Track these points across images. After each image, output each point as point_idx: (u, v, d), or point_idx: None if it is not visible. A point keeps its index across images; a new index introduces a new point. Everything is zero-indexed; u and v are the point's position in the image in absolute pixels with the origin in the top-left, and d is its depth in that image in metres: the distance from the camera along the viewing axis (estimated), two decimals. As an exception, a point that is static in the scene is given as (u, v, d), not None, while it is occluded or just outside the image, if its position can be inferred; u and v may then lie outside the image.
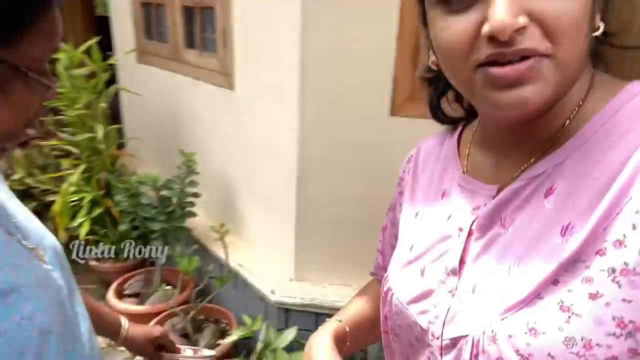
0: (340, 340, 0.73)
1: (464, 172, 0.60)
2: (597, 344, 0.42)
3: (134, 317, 2.22)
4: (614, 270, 0.42)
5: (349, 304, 0.83)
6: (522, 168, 0.52)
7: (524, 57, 0.43)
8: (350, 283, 1.99)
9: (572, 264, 0.44)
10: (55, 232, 2.55)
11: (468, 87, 0.48)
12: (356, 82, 1.69)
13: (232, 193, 2.28)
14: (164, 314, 2.10)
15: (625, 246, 0.41)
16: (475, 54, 0.45)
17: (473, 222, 0.54)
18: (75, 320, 0.75)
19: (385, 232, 0.81)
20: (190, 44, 2.41)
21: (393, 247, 0.71)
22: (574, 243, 0.44)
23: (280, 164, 1.90)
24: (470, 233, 0.55)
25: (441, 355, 0.54)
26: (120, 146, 3.06)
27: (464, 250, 0.54)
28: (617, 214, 0.42)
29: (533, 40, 0.42)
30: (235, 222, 2.29)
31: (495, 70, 0.44)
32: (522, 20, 0.41)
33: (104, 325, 1.04)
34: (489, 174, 0.57)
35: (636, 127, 0.45)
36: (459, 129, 0.67)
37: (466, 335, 0.50)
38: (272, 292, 1.93)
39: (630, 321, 0.41)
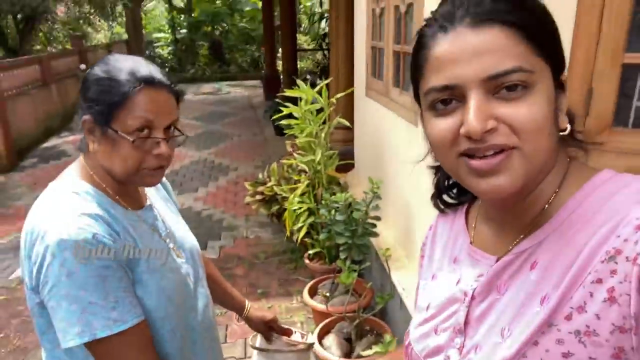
0: None
1: (471, 242, 0.69)
2: None
3: (318, 314, 2.65)
4: (579, 332, 0.51)
5: None
6: (515, 242, 0.61)
7: (497, 152, 0.54)
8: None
9: (547, 328, 0.53)
10: (285, 230, 3.23)
11: (455, 173, 0.59)
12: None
13: (409, 218, 2.45)
14: (336, 316, 2.45)
15: (585, 311, 0.50)
16: (457, 147, 0.56)
17: (475, 288, 0.64)
18: (195, 295, 1.14)
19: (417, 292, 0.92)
20: (396, 82, 2.69)
21: None
22: (548, 310, 0.53)
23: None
24: (473, 297, 0.64)
25: None
26: (346, 168, 3.58)
27: (468, 313, 0.64)
28: (580, 285, 0.51)
29: (502, 136, 0.53)
30: (409, 245, 2.46)
31: (473, 162, 0.55)
32: (491, 124, 0.53)
33: (233, 303, 1.43)
34: (490, 245, 0.66)
35: (597, 215, 0.54)
36: (466, 205, 0.76)
37: None
38: (421, 320, 2.03)
39: None
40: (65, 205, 0.90)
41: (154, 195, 1.16)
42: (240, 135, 7.92)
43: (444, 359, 0.65)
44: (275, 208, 3.57)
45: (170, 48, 16.77)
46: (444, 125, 0.56)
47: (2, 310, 3.29)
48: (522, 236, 0.60)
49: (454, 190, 0.78)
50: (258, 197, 3.66)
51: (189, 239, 1.19)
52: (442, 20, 0.56)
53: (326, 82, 3.05)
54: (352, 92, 3.56)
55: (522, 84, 0.52)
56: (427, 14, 1.85)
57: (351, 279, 2.25)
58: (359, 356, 2.18)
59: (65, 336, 0.86)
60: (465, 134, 0.53)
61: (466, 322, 0.64)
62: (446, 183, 0.78)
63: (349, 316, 2.36)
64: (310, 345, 1.42)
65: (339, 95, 3.11)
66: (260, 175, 3.90)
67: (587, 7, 1.12)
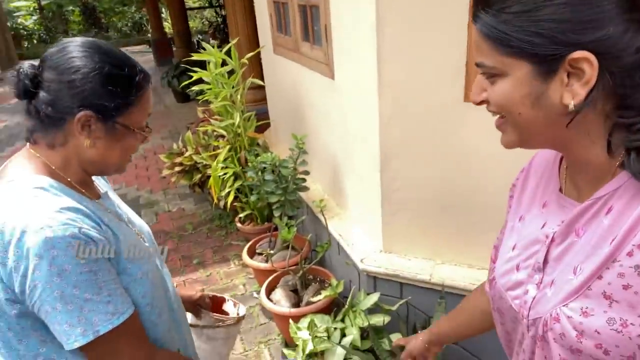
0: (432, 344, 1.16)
1: (560, 189, 0.74)
2: (631, 323, 0.57)
3: (260, 273, 2.72)
4: (638, 267, 0.56)
5: (452, 316, 1.15)
6: (593, 190, 0.66)
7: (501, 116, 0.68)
8: (432, 257, 2.13)
9: (611, 263, 0.59)
10: (211, 196, 3.20)
11: None
12: (430, 70, 1.79)
13: (337, 171, 2.57)
14: (280, 271, 2.54)
15: None
16: None
17: (555, 231, 0.70)
18: (163, 276, 1.13)
19: (502, 230, 0.95)
20: (306, 37, 2.71)
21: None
22: (613, 247, 0.59)
23: (368, 147, 2.10)
24: (553, 239, 0.70)
25: (528, 330, 0.72)
26: (261, 129, 3.58)
27: (548, 253, 0.71)
28: None
29: (490, 106, 0.68)
30: (339, 194, 2.59)
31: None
32: (482, 97, 0.68)
33: None
34: (576, 192, 0.71)
35: None
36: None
37: (541, 317, 0.68)
38: (362, 261, 2.18)
39: None
40: (37, 202, 0.84)
41: (101, 183, 1.11)
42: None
43: (523, 292, 0.73)
44: (197, 177, 3.51)
45: (34, 17, 14.97)
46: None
47: None
48: (600, 184, 0.65)
49: None
50: (177, 168, 3.55)
51: (141, 221, 1.18)
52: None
53: (233, 42, 2.98)
54: (259, 51, 3.51)
55: (493, 73, 0.65)
56: None
57: (292, 233, 2.33)
58: (309, 303, 2.30)
59: (68, 338, 0.83)
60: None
61: (545, 261, 0.71)
62: None
63: (292, 269, 2.46)
64: (240, 319, 1.39)
65: (249, 55, 3.05)
66: (174, 146, 3.77)
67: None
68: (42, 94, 0.89)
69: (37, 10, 14.79)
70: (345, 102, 2.27)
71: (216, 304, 1.47)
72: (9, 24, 12.76)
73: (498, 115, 0.68)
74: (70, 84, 0.87)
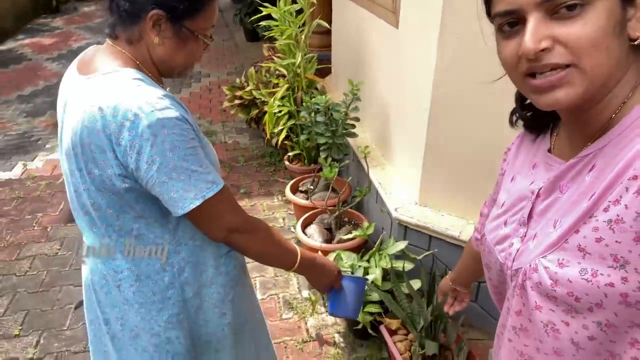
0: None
1: (549, 150, 0.75)
2: (600, 274, 0.59)
3: (299, 208, 2.86)
4: (610, 221, 0.58)
5: (460, 260, 1.26)
6: (583, 149, 0.66)
7: (555, 69, 0.58)
8: (464, 216, 2.16)
9: (588, 219, 0.61)
10: (265, 132, 3.34)
11: (524, 91, 0.65)
12: (491, 29, 1.76)
13: (387, 121, 2.60)
14: (318, 209, 2.66)
15: (619, 203, 0.57)
16: (520, 68, 0.61)
17: (541, 187, 0.72)
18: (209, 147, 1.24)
19: (493, 190, 1.00)
20: (377, -18, 2.69)
21: (494, 202, 0.93)
22: (591, 203, 0.61)
23: (420, 99, 2.12)
24: (538, 195, 0.72)
25: (511, 281, 0.75)
26: (323, 74, 3.63)
27: (533, 208, 0.73)
28: (620, 182, 0.58)
29: (557, 56, 0.57)
30: (385, 145, 2.63)
31: (533, 82, 0.61)
32: (544, 44, 0.57)
33: None
34: (564, 152, 0.72)
35: None
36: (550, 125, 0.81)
37: (521, 268, 0.71)
38: (396, 209, 2.25)
39: (621, 256, 0.58)
40: (141, 89, 0.95)
41: None
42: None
43: (508, 245, 0.76)
44: (254, 112, 3.64)
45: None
46: (508, 48, 0.62)
47: (-11, 211, 3.37)
48: (588, 143, 0.65)
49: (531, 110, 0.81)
50: (237, 101, 3.69)
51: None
52: None
53: (306, -19, 3.00)
54: (330, -6, 3.50)
55: (580, 2, 0.56)
56: None
57: (333, 173, 2.42)
58: (340, 240, 2.41)
59: (184, 202, 0.97)
60: (521, 54, 0.59)
61: (530, 216, 0.73)
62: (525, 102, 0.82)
63: (329, 209, 2.57)
64: None
65: (319, -4, 3.07)
66: (237, 80, 3.90)
67: None
68: None
69: None
70: (404, 52, 2.27)
71: None
72: (100, -54, 13.20)
73: (554, 70, 0.58)
74: None
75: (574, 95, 0.59)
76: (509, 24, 0.61)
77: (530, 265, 0.68)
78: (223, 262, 1.19)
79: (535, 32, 0.57)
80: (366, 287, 1.94)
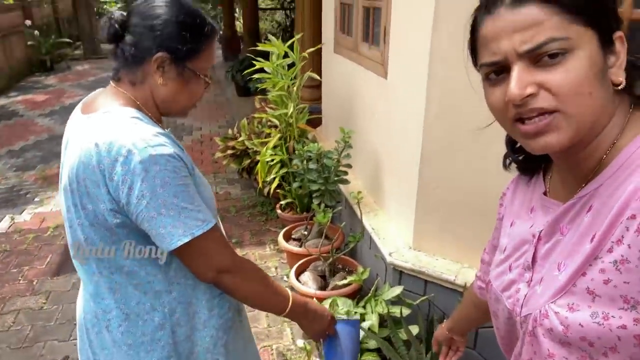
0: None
1: (545, 193, 0.76)
2: (612, 316, 0.59)
3: (292, 256, 2.84)
4: (616, 262, 0.58)
5: (459, 308, 1.24)
6: (578, 190, 0.68)
7: (542, 114, 0.60)
8: (459, 259, 2.16)
9: (593, 260, 0.61)
10: (257, 182, 3.36)
11: (514, 136, 0.67)
12: (478, 77, 1.84)
13: (378, 168, 2.65)
14: (311, 256, 2.64)
15: (622, 243, 0.58)
16: (509, 114, 0.63)
17: (541, 230, 0.73)
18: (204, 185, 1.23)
19: (492, 236, 1.01)
20: (366, 38, 2.82)
21: (494, 247, 0.94)
22: (594, 245, 0.61)
23: (411, 144, 2.17)
24: (540, 238, 0.73)
25: (521, 328, 0.74)
26: (314, 124, 3.72)
27: (535, 252, 0.73)
28: (620, 222, 0.59)
29: (542, 100, 0.59)
30: (377, 191, 2.66)
31: (522, 127, 0.62)
32: (529, 90, 0.59)
33: None
34: (560, 194, 0.73)
35: None
36: (542, 166, 0.83)
37: (531, 314, 0.70)
38: (390, 254, 2.25)
39: (631, 297, 0.58)
40: (137, 127, 0.98)
41: None
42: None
43: (515, 291, 0.75)
44: (246, 162, 3.68)
45: (119, 5, 16.00)
46: (495, 95, 0.64)
47: (-27, 265, 3.28)
48: (583, 184, 0.67)
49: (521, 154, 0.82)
50: (229, 152, 3.74)
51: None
52: (488, 4, 0.64)
53: (298, 37, 3.14)
54: (320, 50, 3.65)
55: (561, 51, 0.58)
56: None
57: (327, 218, 2.43)
58: (335, 287, 2.38)
59: (171, 239, 0.97)
60: (508, 100, 0.61)
61: (534, 260, 0.73)
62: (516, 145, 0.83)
63: (323, 256, 2.56)
64: None
65: (309, 50, 3.20)
66: (230, 131, 3.97)
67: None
68: (127, 37, 1.05)
69: (123, -1, 15.86)
70: (394, 101, 2.35)
71: None
72: (96, 8, 13.70)
73: (538, 117, 0.60)
74: (151, 28, 1.03)
75: (564, 139, 0.60)
76: (495, 72, 0.64)
77: (540, 312, 0.67)
78: (217, 304, 1.17)
79: (519, 79, 0.59)
80: (363, 333, 1.90)
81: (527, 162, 0.81)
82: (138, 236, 1.03)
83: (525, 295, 0.72)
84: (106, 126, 0.99)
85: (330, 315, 1.30)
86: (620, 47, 0.62)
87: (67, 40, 12.12)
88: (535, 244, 0.73)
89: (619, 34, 0.62)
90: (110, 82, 1.12)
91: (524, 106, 0.60)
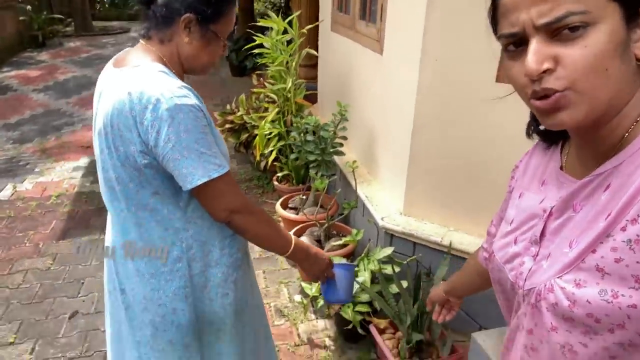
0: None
1: (561, 168, 0.74)
2: (622, 295, 0.58)
3: (289, 223, 2.99)
4: (630, 241, 0.57)
5: (459, 273, 1.25)
6: (596, 167, 0.65)
7: (556, 91, 0.58)
8: (446, 224, 2.33)
9: (605, 238, 0.60)
10: (254, 156, 3.49)
11: (532, 109, 0.64)
12: (469, 50, 1.99)
13: (372, 140, 2.80)
14: (307, 223, 2.80)
15: (637, 222, 0.57)
16: (526, 89, 0.61)
17: (553, 206, 0.71)
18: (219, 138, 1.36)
19: (500, 208, 1.00)
20: (363, 15, 2.95)
21: (501, 220, 0.94)
22: (607, 223, 0.60)
23: (404, 115, 2.33)
24: (550, 214, 0.71)
25: (523, 300, 0.73)
26: (312, 99, 3.85)
27: (545, 227, 0.72)
28: (637, 201, 0.57)
29: (556, 81, 0.57)
30: (371, 162, 2.82)
31: (536, 103, 0.61)
32: (547, 65, 0.57)
33: None
34: (576, 170, 0.71)
35: None
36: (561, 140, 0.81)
37: (535, 287, 0.69)
38: (382, 219, 2.42)
39: None
40: (164, 79, 1.11)
41: None
42: (194, 76, 7.91)
43: (519, 264, 0.75)
44: (244, 137, 3.81)
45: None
46: (515, 69, 0.62)
47: (-21, 229, 3.40)
48: (602, 162, 0.65)
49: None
50: (227, 126, 3.86)
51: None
52: None
53: (296, 13, 3.25)
54: (317, 29, 3.77)
55: (582, 24, 0.56)
56: None
57: (324, 184, 2.58)
58: (331, 248, 2.55)
59: (192, 178, 1.10)
60: (525, 76, 0.59)
61: (542, 235, 0.72)
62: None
63: (319, 222, 2.72)
64: None
65: (308, 27, 3.32)
66: (228, 107, 4.09)
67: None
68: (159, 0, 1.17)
69: (115, -24, 15.68)
70: (389, 76, 2.50)
71: None
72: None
73: (553, 92, 0.59)
74: None
75: (578, 116, 0.59)
76: (514, 44, 0.62)
77: (545, 286, 0.67)
78: (228, 244, 1.31)
79: (537, 53, 0.58)
80: (356, 280, 2.07)
81: (549, 133, 0.78)
82: (163, 177, 1.17)
83: (530, 269, 0.72)
84: (137, 78, 1.12)
85: (328, 259, 1.46)
86: None
87: (59, 16, 12.03)
88: (546, 218, 0.72)
89: None
90: (140, 40, 1.24)
91: (539, 82, 0.59)
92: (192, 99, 1.12)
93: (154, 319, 1.27)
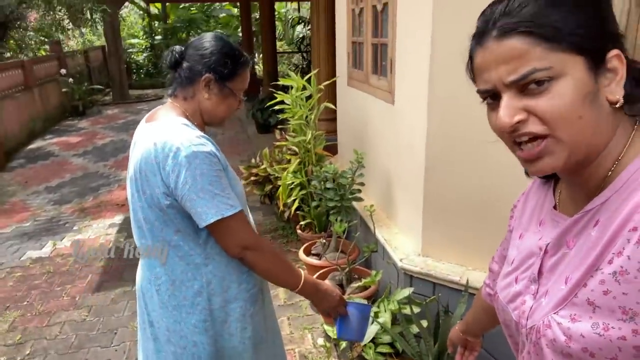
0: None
1: (554, 207, 0.77)
2: (612, 327, 0.59)
3: (312, 268, 3.07)
4: (615, 273, 0.59)
5: (470, 312, 1.28)
6: (585, 204, 0.68)
7: (533, 139, 0.62)
8: (464, 263, 2.37)
9: (594, 272, 0.62)
10: (278, 206, 3.63)
11: (516, 156, 0.68)
12: (473, 94, 2.12)
13: (388, 185, 2.91)
14: (330, 267, 2.87)
15: (622, 255, 0.59)
16: (504, 137, 0.66)
17: (548, 243, 0.73)
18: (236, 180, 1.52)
19: (500, 246, 1.07)
20: (375, 70, 3.15)
21: (502, 257, 1.00)
22: (595, 256, 0.63)
23: (415, 158, 2.44)
24: (546, 251, 0.74)
25: (527, 339, 0.74)
26: (333, 150, 4.02)
27: (542, 264, 0.74)
28: (622, 235, 0.60)
29: (533, 125, 0.62)
30: (388, 206, 2.91)
31: (519, 153, 0.65)
32: (518, 117, 0.62)
33: None
34: (568, 208, 0.75)
35: None
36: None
37: (535, 325, 0.71)
38: (401, 260, 2.47)
39: (630, 309, 0.58)
40: (184, 130, 1.28)
41: None
42: (224, 134, 8.29)
43: (521, 302, 0.76)
44: (268, 188, 3.97)
45: (145, 54, 16.97)
46: (494, 117, 0.67)
47: (22, 284, 3.60)
48: (590, 199, 0.67)
49: None
50: (252, 178, 4.05)
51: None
52: (477, 36, 0.68)
53: (314, 72, 3.49)
54: (335, 85, 4.00)
55: (547, 78, 0.60)
56: (400, 11, 2.40)
57: (343, 227, 2.68)
58: (352, 292, 2.60)
59: (206, 217, 1.24)
60: (499, 129, 0.65)
61: (540, 273, 0.74)
62: None
63: (340, 266, 2.79)
64: None
65: (325, 83, 3.54)
66: (252, 161, 4.29)
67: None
68: (185, 64, 1.37)
69: (149, 48, 16.81)
70: (401, 123, 2.64)
71: None
72: (124, 57, 14.61)
73: (531, 142, 0.63)
74: (202, 56, 1.36)
75: (557, 163, 0.63)
76: (491, 97, 0.67)
77: (543, 322, 0.68)
78: (245, 279, 1.42)
79: (507, 107, 0.62)
80: (376, 321, 2.11)
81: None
82: (183, 216, 1.31)
83: (531, 308, 0.73)
84: (162, 130, 1.29)
85: (339, 295, 1.52)
86: (618, 64, 0.62)
87: (98, 87, 12.92)
88: (542, 256, 0.74)
89: (614, 52, 0.62)
90: (168, 98, 1.43)
91: (516, 131, 0.63)
92: (208, 147, 1.27)
93: (176, 350, 1.37)
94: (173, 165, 1.23)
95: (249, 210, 1.56)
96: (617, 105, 0.63)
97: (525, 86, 0.61)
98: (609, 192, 0.64)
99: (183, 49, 1.40)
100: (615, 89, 0.62)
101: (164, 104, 1.44)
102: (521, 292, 0.77)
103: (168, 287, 1.36)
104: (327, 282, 2.74)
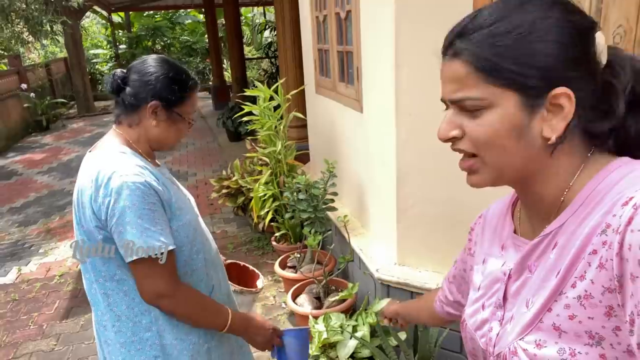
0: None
1: (515, 231, 0.78)
2: (579, 352, 0.59)
3: (289, 281, 3.02)
4: (580, 297, 0.59)
5: (414, 303, 1.31)
6: (544, 228, 0.69)
7: (468, 156, 0.67)
8: (440, 270, 2.36)
9: (558, 296, 0.63)
10: (252, 218, 3.56)
11: None
12: (439, 103, 2.11)
13: (361, 193, 2.88)
14: (306, 280, 2.82)
15: (585, 279, 0.59)
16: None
17: (511, 269, 0.74)
18: (203, 230, 1.45)
19: (455, 265, 1.06)
20: (342, 78, 3.12)
21: (457, 276, 1.02)
22: (558, 281, 0.63)
23: (387, 169, 2.42)
24: (510, 277, 0.74)
25: None
26: (305, 158, 3.97)
27: (506, 290, 0.74)
28: (582, 258, 0.60)
29: (464, 144, 0.67)
30: (362, 215, 2.88)
31: (459, 163, 0.70)
32: (454, 133, 0.67)
33: None
34: (528, 232, 0.75)
35: (605, 198, 0.61)
36: (515, 196, 0.84)
37: (502, 352, 0.71)
38: (377, 270, 2.45)
39: (596, 333, 0.58)
40: (119, 160, 1.22)
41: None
42: (195, 144, 8.15)
43: (488, 330, 0.76)
44: (240, 200, 3.90)
45: (110, 64, 16.58)
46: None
47: (-16, 315, 3.42)
48: (547, 223, 0.69)
49: None
50: (224, 191, 3.97)
51: (187, 192, 1.53)
52: (442, 49, 0.71)
53: (280, 81, 3.44)
54: (303, 91, 3.96)
55: (477, 108, 0.64)
56: (363, 19, 2.36)
57: (316, 240, 2.64)
58: (329, 305, 2.56)
59: (132, 252, 1.17)
60: (439, 138, 0.70)
61: (505, 298, 0.74)
62: None
63: (317, 279, 2.74)
64: (257, 290, 1.69)
65: (293, 92, 3.49)
66: (224, 172, 4.21)
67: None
68: (127, 89, 1.30)
69: (113, 58, 16.43)
70: (370, 131, 2.61)
71: (246, 276, 1.78)
72: (88, 68, 14.25)
73: (465, 156, 0.68)
74: (147, 82, 1.29)
75: (484, 182, 0.68)
76: (447, 107, 0.71)
77: (509, 349, 0.68)
78: None
79: (447, 122, 0.68)
80: (354, 336, 2.07)
81: None
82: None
83: (498, 334, 0.73)
84: (99, 160, 1.24)
85: (272, 327, 1.47)
86: (565, 102, 0.62)
87: (62, 100, 12.55)
88: (506, 282, 0.74)
89: (559, 90, 0.61)
90: (113, 125, 1.36)
91: (453, 145, 0.69)
92: (141, 177, 1.20)
93: None
94: (104, 196, 1.18)
95: (208, 232, 1.49)
96: (550, 142, 0.63)
97: (463, 107, 0.66)
98: (565, 216, 0.66)
99: (125, 72, 1.32)
100: (556, 126, 0.63)
101: (110, 130, 1.37)
102: (488, 319, 0.77)
103: (114, 324, 1.29)
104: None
